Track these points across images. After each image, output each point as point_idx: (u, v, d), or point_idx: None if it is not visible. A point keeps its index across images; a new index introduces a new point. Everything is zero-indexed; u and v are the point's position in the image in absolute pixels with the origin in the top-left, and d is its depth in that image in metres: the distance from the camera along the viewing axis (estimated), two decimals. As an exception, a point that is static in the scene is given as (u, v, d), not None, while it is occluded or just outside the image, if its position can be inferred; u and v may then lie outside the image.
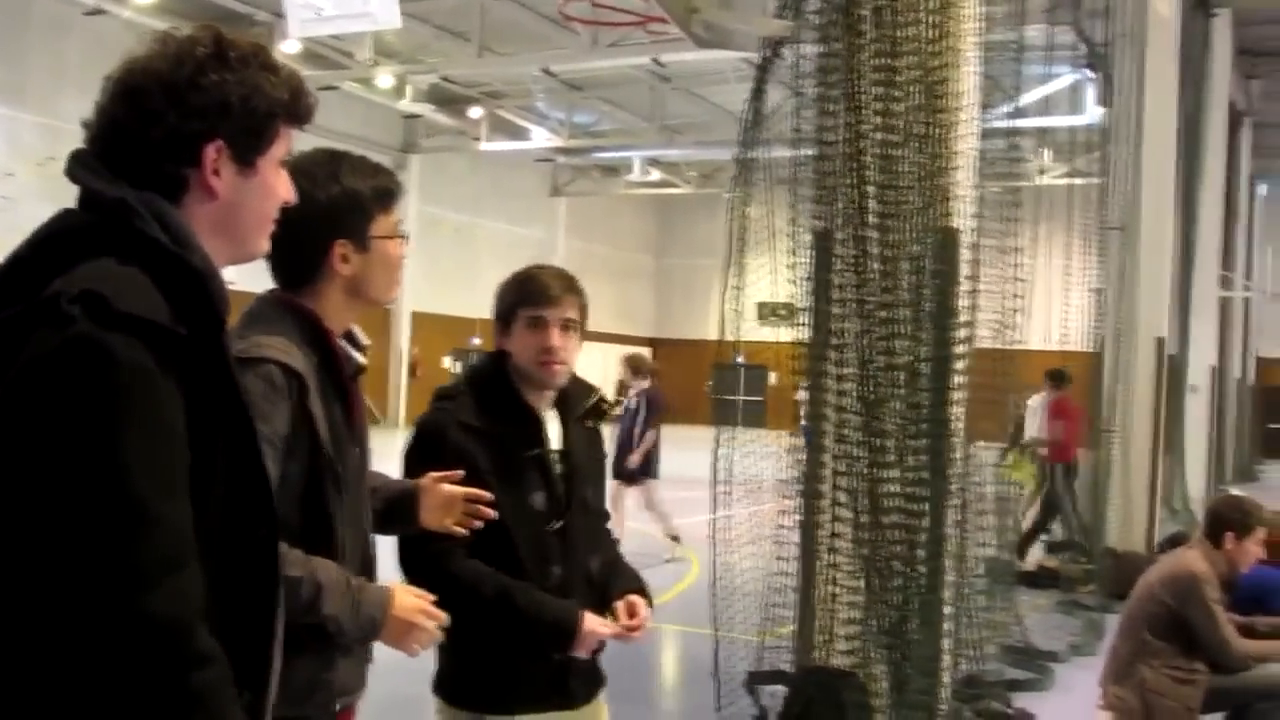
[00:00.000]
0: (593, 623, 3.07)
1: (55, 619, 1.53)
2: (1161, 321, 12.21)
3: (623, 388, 12.88)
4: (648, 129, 32.05)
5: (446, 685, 3.15)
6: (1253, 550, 5.58)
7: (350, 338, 2.59)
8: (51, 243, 1.71)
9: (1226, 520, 5.60)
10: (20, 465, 1.55)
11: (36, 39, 25.88)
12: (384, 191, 2.53)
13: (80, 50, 26.62)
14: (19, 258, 1.72)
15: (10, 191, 25.10)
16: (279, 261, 2.52)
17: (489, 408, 3.10)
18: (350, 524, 2.47)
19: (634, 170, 35.68)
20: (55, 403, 1.56)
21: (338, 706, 2.53)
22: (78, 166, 1.79)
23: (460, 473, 2.91)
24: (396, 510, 2.86)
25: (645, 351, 45.09)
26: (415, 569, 2.98)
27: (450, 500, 2.87)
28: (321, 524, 2.39)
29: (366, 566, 2.56)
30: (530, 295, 3.15)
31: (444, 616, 2.58)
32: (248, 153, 1.83)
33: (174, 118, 1.76)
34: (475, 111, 31.33)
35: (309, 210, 2.35)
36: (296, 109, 1.90)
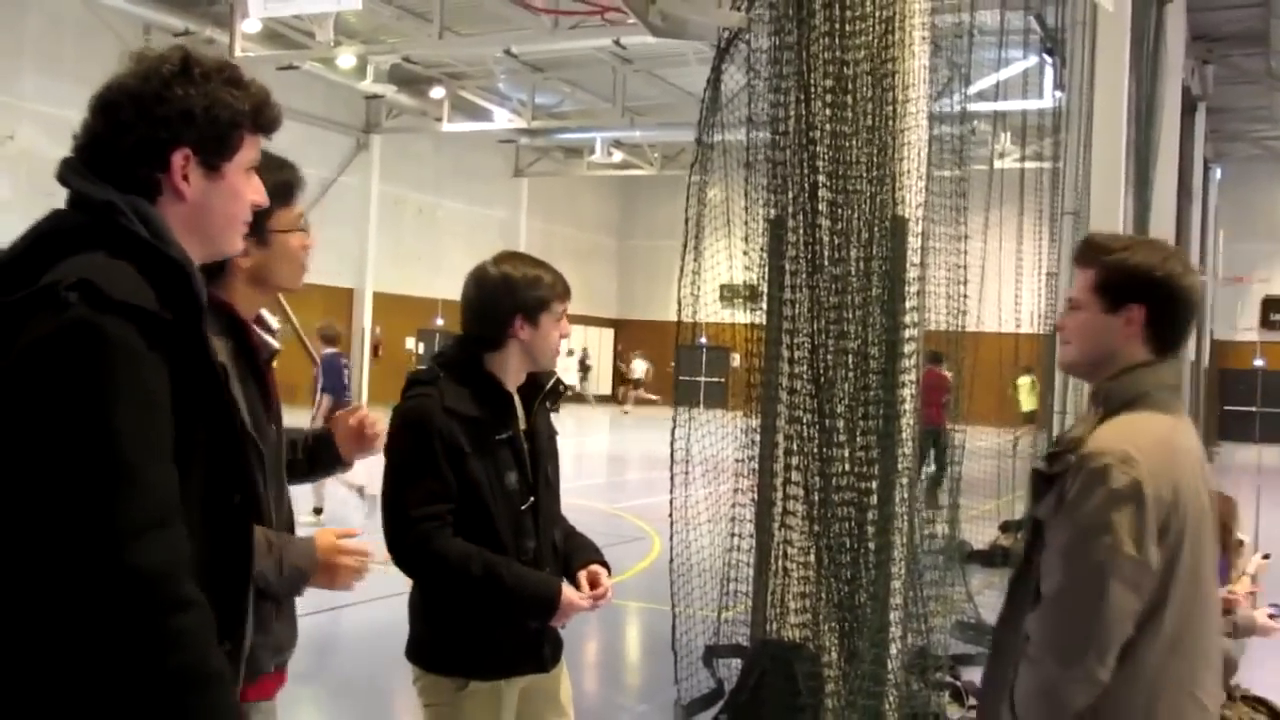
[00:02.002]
0: (570, 594, 3.30)
1: (51, 569, 1.74)
2: (1114, 305, 12.38)
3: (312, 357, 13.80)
4: (610, 110, 32.03)
5: (426, 654, 3.33)
6: None
7: (259, 321, 2.74)
8: (46, 239, 1.93)
9: None
10: (22, 434, 1.75)
11: (-6, 18, 25.62)
12: (283, 186, 2.64)
13: (38, 29, 26.40)
14: (15, 252, 1.93)
15: (-32, 171, 24.91)
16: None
17: (469, 393, 3.26)
18: (273, 495, 2.66)
19: (596, 151, 35.66)
20: (55, 377, 1.76)
21: (272, 667, 2.71)
22: (68, 171, 2.01)
23: (360, 407, 3.25)
24: (320, 453, 3.14)
25: (612, 333, 45.09)
26: (402, 549, 3.17)
27: (356, 430, 3.17)
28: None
29: (289, 532, 2.78)
30: (564, 291, 3.39)
31: (368, 549, 2.83)
32: (214, 159, 2.03)
33: (144, 128, 1.97)
34: (437, 92, 31.24)
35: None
36: (260, 119, 2.10)
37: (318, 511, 12.36)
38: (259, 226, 2.54)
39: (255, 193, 2.13)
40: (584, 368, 41.26)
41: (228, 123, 2.03)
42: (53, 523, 1.74)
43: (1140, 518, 2.56)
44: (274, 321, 2.83)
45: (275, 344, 2.75)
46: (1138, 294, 2.74)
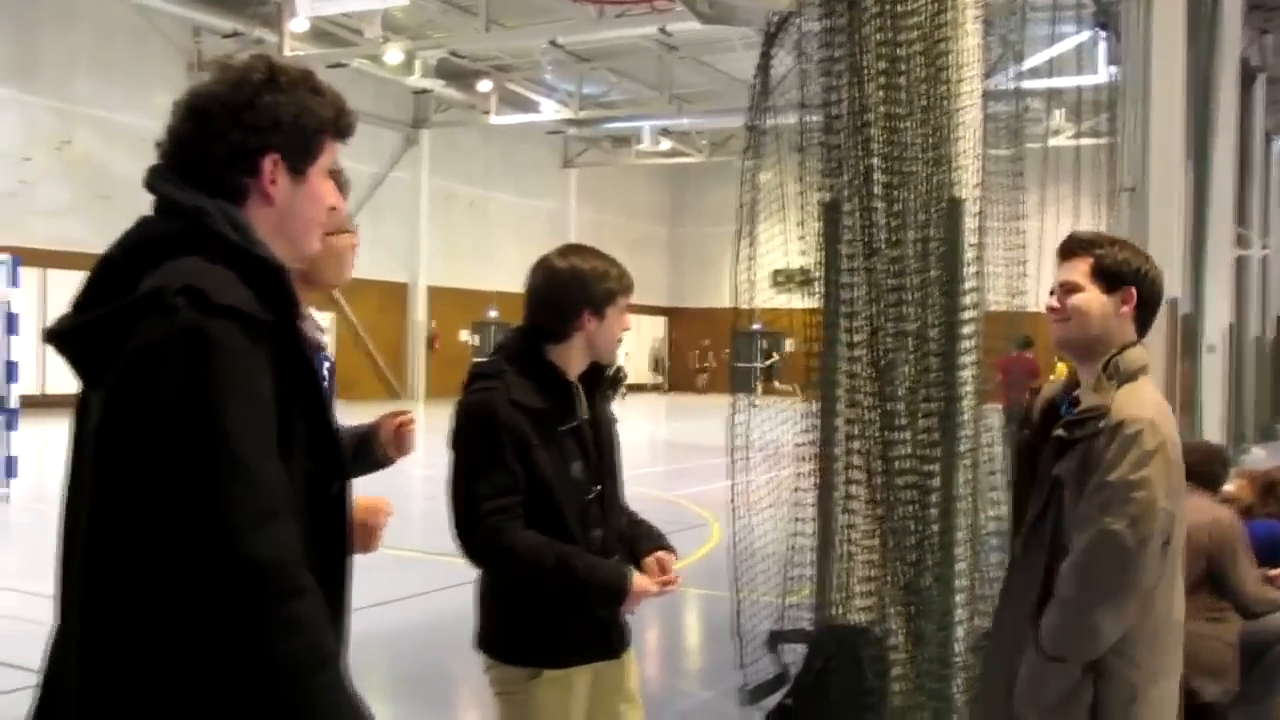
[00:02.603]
0: (641, 582, 3.33)
1: (171, 563, 1.82)
2: (1173, 282, 12.26)
3: None
4: (657, 98, 32.04)
5: (497, 643, 3.36)
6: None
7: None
8: (142, 246, 2.00)
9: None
10: (139, 435, 1.84)
11: (47, 24, 25.96)
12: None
13: (90, 35, 26.73)
14: (111, 259, 2.00)
15: (28, 175, 25.28)
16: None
17: (533, 385, 3.28)
18: None
19: (644, 140, 35.68)
20: (168, 380, 1.84)
21: None
22: (156, 179, 2.07)
23: (407, 411, 3.29)
24: (363, 451, 3.20)
25: (664, 321, 45.09)
26: (473, 542, 3.19)
27: (397, 431, 3.23)
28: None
29: None
30: (629, 284, 3.41)
31: (388, 503, 2.92)
32: (299, 163, 2.12)
33: (235, 134, 2.04)
34: (484, 85, 31.36)
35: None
36: (339, 125, 2.18)
37: None
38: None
39: (332, 196, 2.23)
40: (657, 362, 41.31)
41: (313, 129, 2.12)
42: (171, 518, 1.81)
43: (1168, 474, 3.03)
44: (322, 319, 2.87)
45: (323, 339, 2.80)
46: (1130, 279, 3.19)
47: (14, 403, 13.81)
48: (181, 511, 1.81)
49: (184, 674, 1.85)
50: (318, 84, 2.16)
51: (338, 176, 2.72)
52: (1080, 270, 3.20)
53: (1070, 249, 3.28)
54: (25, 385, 14.33)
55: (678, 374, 45.36)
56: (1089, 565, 3.01)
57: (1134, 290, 3.19)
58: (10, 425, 13.66)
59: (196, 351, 1.84)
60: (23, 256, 15.17)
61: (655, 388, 42.90)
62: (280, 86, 2.09)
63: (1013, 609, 3.28)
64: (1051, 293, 3.30)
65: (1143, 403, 3.10)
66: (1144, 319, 3.24)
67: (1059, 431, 3.15)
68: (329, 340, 2.86)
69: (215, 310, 1.86)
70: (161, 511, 1.82)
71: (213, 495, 1.81)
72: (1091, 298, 3.18)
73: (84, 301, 1.98)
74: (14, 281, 14.00)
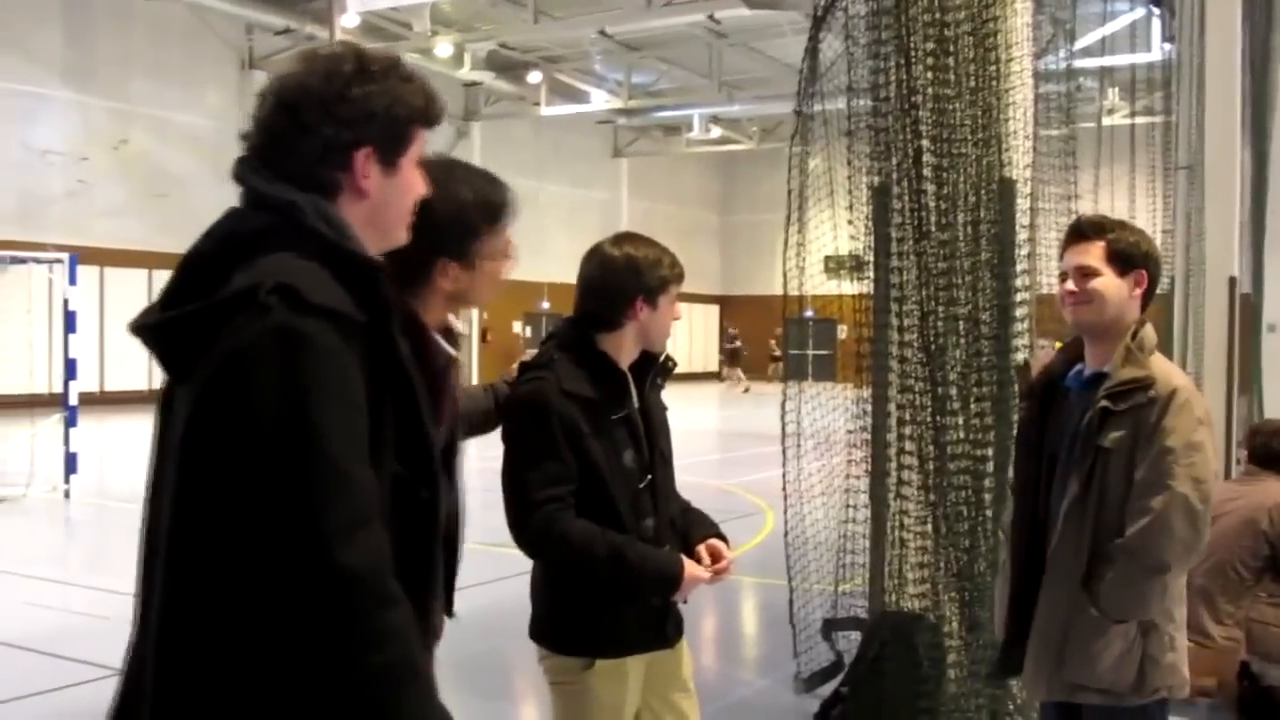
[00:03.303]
0: (693, 570, 3.31)
1: (263, 569, 1.77)
2: (1232, 260, 12.01)
3: None
4: (707, 86, 31.96)
5: (552, 634, 3.36)
6: None
7: (446, 329, 2.62)
8: (232, 240, 1.95)
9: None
10: (232, 437, 1.79)
11: (103, 25, 26.28)
12: (492, 208, 2.57)
13: (145, 35, 27.02)
14: (202, 253, 1.96)
15: (86, 175, 25.61)
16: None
17: (584, 374, 3.27)
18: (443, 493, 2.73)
19: (694, 128, 35.58)
20: (263, 382, 1.79)
21: None
22: (246, 171, 2.03)
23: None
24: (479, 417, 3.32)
25: (717, 310, 45.01)
26: (527, 532, 3.19)
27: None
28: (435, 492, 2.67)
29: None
30: (681, 273, 3.40)
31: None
32: (391, 155, 2.06)
33: (328, 129, 1.99)
34: (534, 76, 31.40)
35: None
36: (430, 113, 2.13)
37: None
38: (465, 250, 2.48)
39: (422, 185, 2.17)
40: (730, 351, 41.20)
41: (405, 120, 2.07)
42: (263, 523, 1.77)
43: (1213, 437, 3.28)
44: (459, 325, 2.76)
45: (453, 351, 2.59)
46: (1140, 262, 3.37)
47: (74, 400, 14.00)
48: (274, 517, 1.77)
49: (268, 682, 1.82)
50: (406, 70, 2.10)
51: (505, 197, 2.59)
52: (1095, 254, 3.34)
53: (1081, 233, 3.42)
54: (85, 383, 14.53)
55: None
56: (1162, 527, 3.15)
57: (1145, 273, 3.38)
58: (70, 422, 13.86)
59: (291, 352, 1.79)
60: (81, 255, 15.36)
61: (722, 378, 42.72)
62: (371, 76, 2.03)
63: (1058, 579, 3.35)
64: (1063, 277, 3.41)
65: (1177, 372, 3.36)
66: (1149, 298, 3.43)
67: (1104, 403, 3.25)
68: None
69: (310, 309, 1.81)
70: (253, 516, 1.77)
71: (307, 501, 1.77)
72: (1109, 281, 3.33)
73: (173, 295, 1.93)
74: (72, 280, 14.18)
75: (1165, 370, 3.31)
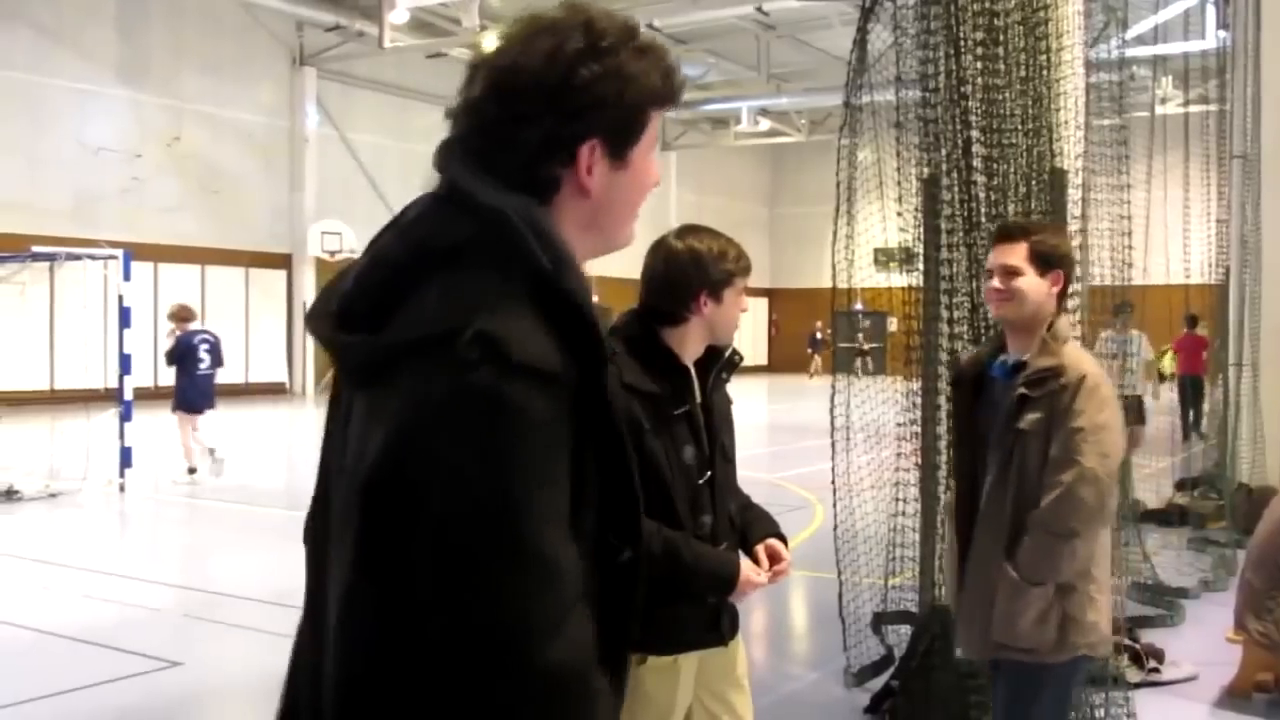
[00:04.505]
0: (749, 571, 3.28)
1: (461, 661, 1.55)
2: (1288, 250, 11.90)
3: (172, 333, 14.95)
4: (755, 78, 31.88)
5: None
6: None
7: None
8: (429, 250, 1.66)
9: None
10: (429, 507, 1.54)
11: (156, 22, 26.56)
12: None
13: (197, 32, 27.29)
14: (396, 262, 1.68)
15: (140, 172, 25.92)
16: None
17: (646, 368, 3.22)
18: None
19: (743, 121, 35.49)
20: (462, 451, 1.53)
21: None
22: (451, 159, 1.73)
23: None
24: None
25: (765, 302, 44.86)
26: None
27: None
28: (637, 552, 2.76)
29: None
30: (747, 266, 3.36)
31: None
32: (621, 146, 1.75)
33: (550, 121, 1.69)
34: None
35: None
36: (669, 92, 1.80)
37: (191, 471, 14.35)
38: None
39: (655, 174, 1.86)
40: (814, 342, 41.11)
41: (639, 105, 1.75)
42: (462, 611, 1.54)
43: (1118, 417, 3.65)
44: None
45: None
46: (1058, 263, 3.69)
47: (128, 395, 14.17)
48: (473, 606, 1.53)
49: None
50: (642, 41, 1.76)
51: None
52: (1018, 254, 3.68)
53: (1008, 234, 3.78)
54: (139, 378, 14.71)
55: (781, 355, 45.17)
56: (1070, 498, 3.49)
57: (1062, 273, 3.71)
58: (125, 417, 14.03)
59: (495, 423, 1.53)
60: (134, 251, 15.55)
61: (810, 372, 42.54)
62: (601, 53, 1.70)
63: (983, 549, 3.70)
64: (989, 274, 3.75)
65: (1088, 360, 3.70)
66: (1064, 294, 3.76)
67: (1021, 390, 3.61)
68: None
69: (515, 370, 1.53)
70: (451, 602, 1.54)
71: (510, 592, 1.53)
72: (1030, 280, 3.66)
73: (357, 302, 1.68)
74: (126, 276, 14.36)
75: (1076, 359, 3.64)
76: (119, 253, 14.66)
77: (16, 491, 13.07)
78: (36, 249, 15.70)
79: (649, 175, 1.81)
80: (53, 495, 13.20)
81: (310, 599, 1.77)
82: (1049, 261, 3.69)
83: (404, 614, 1.56)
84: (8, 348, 23.17)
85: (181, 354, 14.41)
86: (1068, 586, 3.59)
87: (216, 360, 14.79)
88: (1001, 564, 3.60)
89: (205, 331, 15.12)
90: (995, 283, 3.70)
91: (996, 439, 3.69)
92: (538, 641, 1.54)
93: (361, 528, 1.60)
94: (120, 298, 14.37)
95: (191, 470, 14.38)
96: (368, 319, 1.65)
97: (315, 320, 1.71)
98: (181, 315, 14.84)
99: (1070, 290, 3.81)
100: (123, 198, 25.43)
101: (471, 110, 1.72)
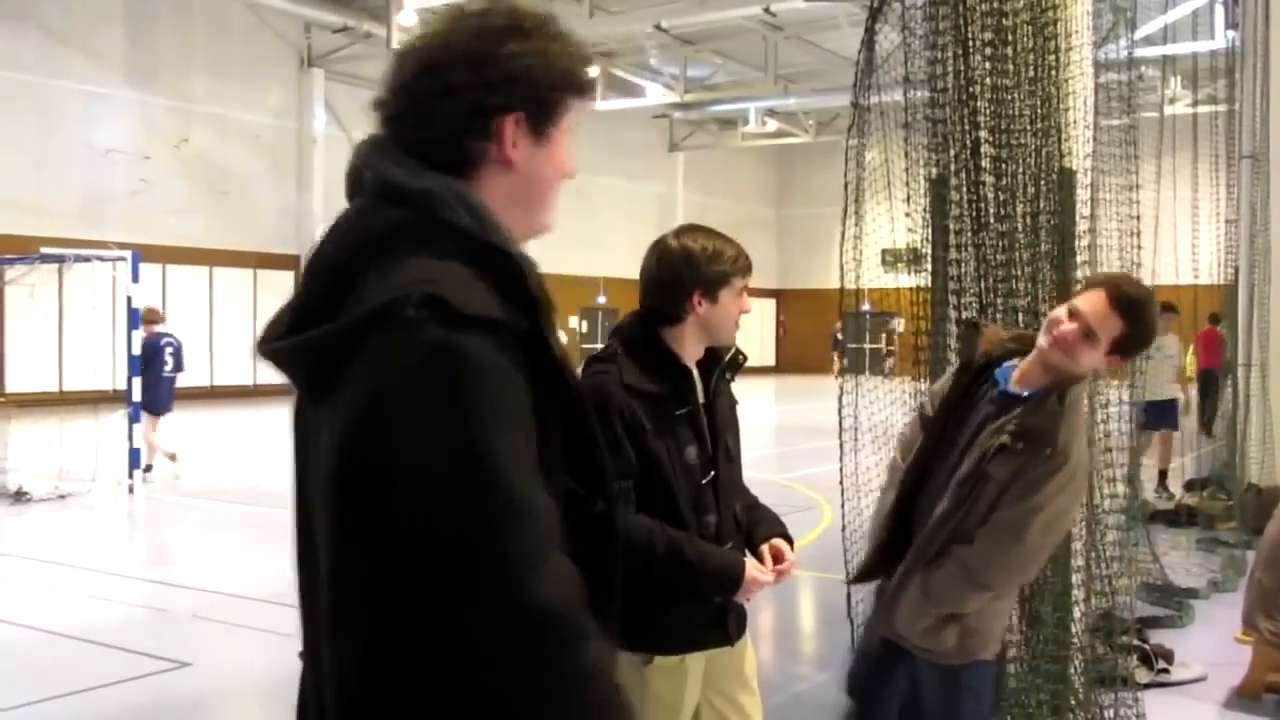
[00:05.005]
0: (754, 570, 3.27)
1: (450, 613, 1.58)
2: (1296, 252, 11.88)
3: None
4: (762, 79, 31.85)
5: None
6: None
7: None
8: (368, 242, 1.73)
9: None
10: (398, 473, 1.58)
11: (164, 24, 26.61)
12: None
13: (205, 34, 27.34)
14: (336, 260, 1.74)
15: (148, 173, 25.96)
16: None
17: (647, 369, 3.22)
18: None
19: (750, 121, 35.48)
20: (424, 410, 1.58)
21: None
22: (376, 155, 1.79)
23: None
24: None
25: (773, 304, 44.90)
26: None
27: None
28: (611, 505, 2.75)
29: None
30: (746, 266, 3.33)
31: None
32: (542, 123, 1.83)
33: (477, 91, 1.76)
34: (589, 71, 31.42)
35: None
36: (584, 80, 1.90)
37: (148, 469, 14.55)
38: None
39: (572, 161, 1.94)
40: (837, 343, 41.07)
41: (558, 85, 1.84)
42: (444, 565, 1.58)
43: (1078, 500, 3.66)
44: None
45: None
46: (1122, 353, 3.43)
47: (137, 396, 14.21)
48: (455, 558, 1.57)
49: None
50: (561, 30, 1.87)
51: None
52: (1109, 325, 3.35)
53: (1118, 297, 3.37)
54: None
55: (788, 356, 45.17)
56: (998, 559, 3.42)
57: (1118, 359, 3.49)
58: (134, 418, 14.07)
59: (450, 373, 1.58)
60: (143, 253, 15.58)
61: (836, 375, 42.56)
62: (526, 33, 1.80)
63: (913, 558, 3.59)
64: (1071, 313, 3.38)
65: (1081, 440, 3.44)
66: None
67: (1004, 439, 3.38)
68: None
69: (464, 322, 1.60)
70: (430, 558, 1.58)
71: (490, 538, 1.57)
72: (1097, 354, 3.38)
73: (303, 311, 1.73)
74: (135, 277, 14.39)
75: (1071, 437, 3.37)
76: (127, 254, 14.68)
77: (25, 493, 13.10)
78: (45, 250, 15.74)
79: (566, 161, 1.90)
80: (61, 496, 13.23)
81: (307, 618, 1.81)
82: (1122, 350, 3.44)
83: (390, 581, 1.60)
84: (17, 349, 23.22)
85: (148, 356, 14.56)
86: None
87: (179, 364, 14.99)
88: (918, 574, 3.55)
89: (169, 335, 15.28)
90: (1067, 327, 3.36)
91: (964, 455, 3.51)
92: (522, 580, 1.58)
93: (337, 506, 1.64)
94: (129, 299, 14.40)
95: (148, 468, 14.59)
96: (318, 322, 1.69)
97: (265, 343, 1.75)
98: (148, 318, 14.93)
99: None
100: (131, 199, 25.47)
101: (401, 90, 1.80)
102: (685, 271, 3.24)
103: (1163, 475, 13.14)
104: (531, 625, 1.59)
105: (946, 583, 3.48)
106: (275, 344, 1.73)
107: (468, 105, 1.76)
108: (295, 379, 1.74)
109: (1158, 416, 12.34)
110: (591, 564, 1.76)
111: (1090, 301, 3.36)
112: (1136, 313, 3.37)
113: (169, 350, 14.80)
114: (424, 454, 1.57)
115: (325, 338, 1.66)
